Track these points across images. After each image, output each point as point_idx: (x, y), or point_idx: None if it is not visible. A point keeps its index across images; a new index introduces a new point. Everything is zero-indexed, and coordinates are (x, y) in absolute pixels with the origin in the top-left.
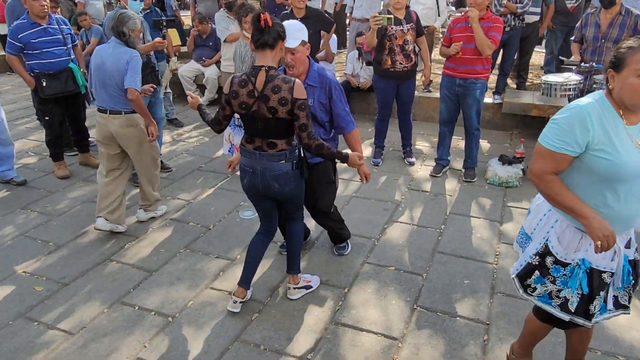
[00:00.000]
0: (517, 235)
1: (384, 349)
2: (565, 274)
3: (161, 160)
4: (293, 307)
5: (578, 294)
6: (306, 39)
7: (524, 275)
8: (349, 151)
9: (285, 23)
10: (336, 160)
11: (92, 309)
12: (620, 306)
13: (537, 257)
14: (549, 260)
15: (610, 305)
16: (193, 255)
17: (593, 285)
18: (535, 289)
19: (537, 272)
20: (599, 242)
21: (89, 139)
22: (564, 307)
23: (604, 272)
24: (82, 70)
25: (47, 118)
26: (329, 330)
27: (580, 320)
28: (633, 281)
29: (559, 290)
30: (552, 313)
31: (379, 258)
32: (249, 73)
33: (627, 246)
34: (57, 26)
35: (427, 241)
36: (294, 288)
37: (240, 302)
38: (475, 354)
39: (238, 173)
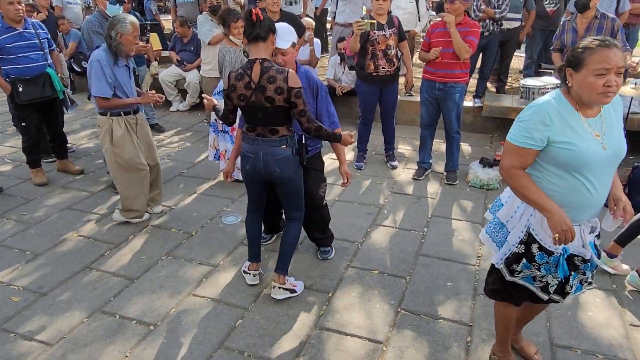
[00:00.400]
0: (487, 225)
1: (368, 352)
2: (548, 262)
3: None
4: (277, 313)
5: (558, 279)
6: (296, 42)
7: (510, 262)
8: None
9: (277, 25)
10: (332, 139)
11: (71, 319)
12: (585, 284)
13: (522, 246)
14: (534, 247)
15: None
16: (175, 262)
17: (569, 267)
18: (521, 272)
19: (524, 259)
20: (557, 235)
21: (68, 145)
22: (544, 289)
23: (578, 256)
24: (60, 75)
25: (24, 124)
26: (313, 335)
27: (556, 297)
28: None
29: (542, 276)
30: (533, 291)
31: (363, 262)
32: (245, 66)
33: (591, 231)
34: (33, 30)
35: (410, 244)
36: (279, 288)
37: (258, 274)
38: (458, 355)
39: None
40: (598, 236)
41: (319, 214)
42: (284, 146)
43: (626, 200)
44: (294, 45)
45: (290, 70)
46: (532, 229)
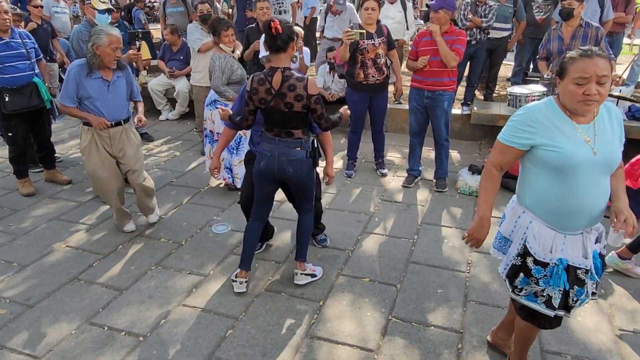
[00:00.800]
0: (494, 240)
1: None
2: (545, 275)
3: None
4: (268, 322)
5: (560, 290)
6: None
7: (512, 276)
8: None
9: None
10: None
11: (59, 331)
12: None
13: (519, 258)
14: (529, 260)
15: (587, 296)
16: (165, 272)
17: (569, 280)
18: (522, 289)
19: (521, 274)
20: (466, 234)
21: (56, 155)
22: (548, 304)
23: (579, 268)
24: (47, 84)
25: (10, 134)
26: (304, 345)
27: (561, 313)
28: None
29: (543, 290)
30: (538, 310)
31: (354, 270)
32: (266, 73)
33: (597, 241)
34: (20, 40)
35: (400, 251)
36: (301, 274)
37: (245, 282)
38: None
39: (219, 177)
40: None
41: (316, 208)
42: (299, 148)
43: (629, 213)
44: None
45: (310, 78)
46: (527, 241)
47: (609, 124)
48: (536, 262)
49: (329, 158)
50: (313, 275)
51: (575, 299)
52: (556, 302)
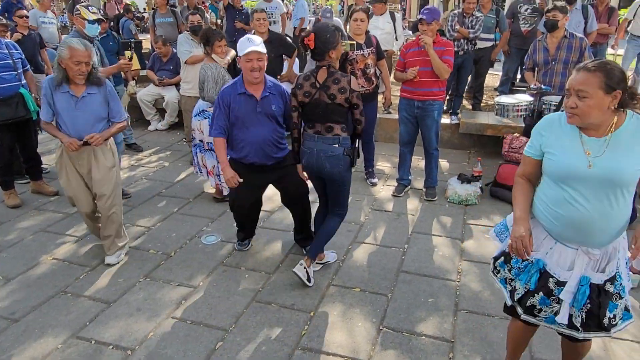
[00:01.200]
0: (496, 226)
1: None
2: (519, 267)
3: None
4: (258, 334)
5: (525, 287)
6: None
7: (496, 257)
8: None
9: (251, 37)
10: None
11: (45, 345)
12: (572, 326)
13: (509, 246)
14: (502, 249)
15: (562, 318)
16: (153, 284)
17: (539, 284)
18: (499, 271)
19: (502, 258)
20: (511, 241)
21: (42, 166)
22: (512, 294)
23: (552, 277)
24: (33, 95)
25: None
26: (295, 356)
27: (519, 310)
28: (589, 305)
29: (512, 279)
30: (503, 296)
31: (344, 279)
32: (312, 70)
33: (603, 271)
34: (6, 51)
35: (391, 261)
36: (304, 268)
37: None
38: None
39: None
40: (614, 282)
41: (302, 209)
42: (337, 145)
43: None
44: (265, 54)
45: (352, 76)
46: None
47: (631, 139)
48: None
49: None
50: (324, 263)
51: (539, 307)
52: (518, 295)
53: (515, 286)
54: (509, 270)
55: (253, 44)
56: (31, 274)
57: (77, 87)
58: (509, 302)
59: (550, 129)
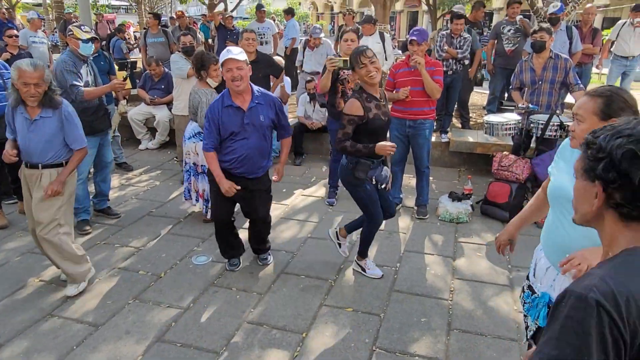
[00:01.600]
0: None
1: None
2: (529, 302)
3: (109, 207)
4: (249, 357)
5: (535, 324)
6: (248, 62)
7: (523, 289)
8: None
9: (231, 48)
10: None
11: None
12: None
13: (527, 280)
14: (525, 283)
15: None
16: (143, 306)
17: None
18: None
19: (522, 290)
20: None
21: None
22: (526, 329)
23: None
24: None
25: None
26: None
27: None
28: None
29: (525, 315)
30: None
31: (337, 299)
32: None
33: None
34: None
35: (383, 280)
36: (357, 262)
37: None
38: None
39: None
40: None
41: (263, 228)
42: (344, 156)
43: (581, 256)
44: (247, 63)
45: (341, 96)
46: (530, 266)
47: None
48: (529, 286)
49: (283, 158)
50: (363, 270)
51: None
52: (530, 333)
53: (527, 322)
54: (523, 304)
55: (231, 53)
56: (16, 297)
57: (32, 110)
58: (524, 339)
59: (562, 152)
